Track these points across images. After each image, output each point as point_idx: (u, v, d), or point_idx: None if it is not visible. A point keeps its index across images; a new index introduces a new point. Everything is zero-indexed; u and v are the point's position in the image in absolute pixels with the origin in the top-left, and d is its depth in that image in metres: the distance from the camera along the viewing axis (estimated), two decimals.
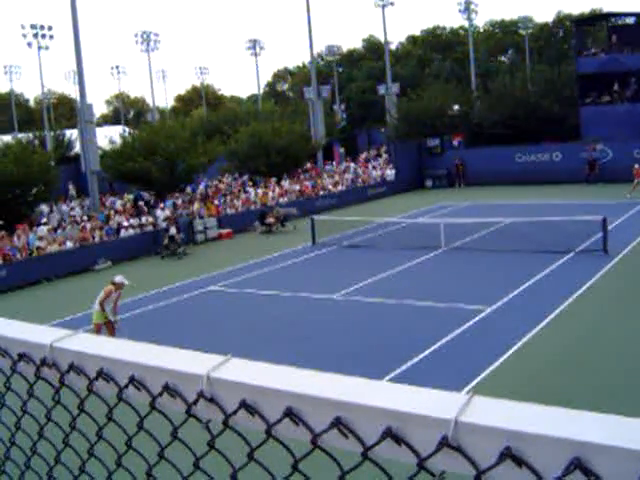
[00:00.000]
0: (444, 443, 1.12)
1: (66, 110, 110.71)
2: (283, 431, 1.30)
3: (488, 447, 1.10)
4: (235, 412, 1.35)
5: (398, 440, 1.17)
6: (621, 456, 1.00)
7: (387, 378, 13.48)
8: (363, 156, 64.74)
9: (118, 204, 40.95)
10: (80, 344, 1.70)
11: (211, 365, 1.41)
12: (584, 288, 19.77)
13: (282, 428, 1.30)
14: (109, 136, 44.13)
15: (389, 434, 1.17)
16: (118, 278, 17.32)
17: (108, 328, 16.91)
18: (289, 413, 1.27)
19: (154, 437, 1.67)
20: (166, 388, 1.46)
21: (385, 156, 59.58)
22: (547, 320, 17.00)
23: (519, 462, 1.07)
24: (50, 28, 78.34)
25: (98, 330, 16.74)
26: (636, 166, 39.79)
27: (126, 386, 1.56)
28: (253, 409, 1.33)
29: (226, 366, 1.41)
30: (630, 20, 58.01)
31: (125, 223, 33.30)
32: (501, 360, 14.49)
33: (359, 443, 1.21)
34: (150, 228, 33.42)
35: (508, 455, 1.07)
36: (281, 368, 1.37)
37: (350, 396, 1.22)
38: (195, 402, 1.42)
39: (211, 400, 1.39)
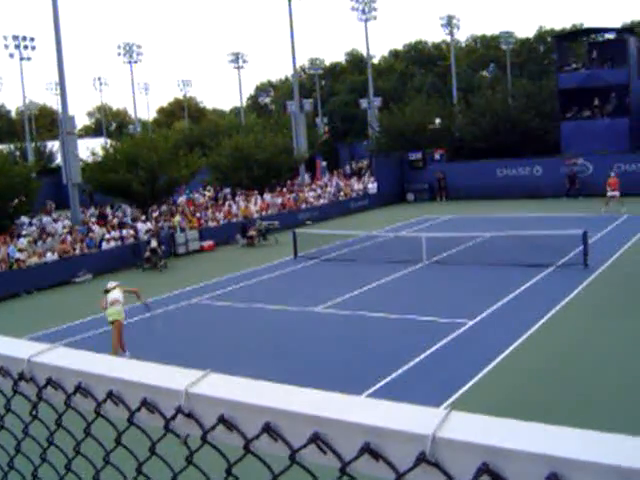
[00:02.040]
0: (422, 459, 1.12)
1: (48, 121, 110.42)
2: (261, 446, 1.30)
3: (466, 463, 1.10)
4: (213, 427, 1.35)
5: (376, 456, 1.16)
6: (598, 471, 1.01)
7: (369, 392, 13.47)
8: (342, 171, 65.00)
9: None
10: (58, 358, 1.69)
11: (190, 380, 1.40)
12: (565, 302, 19.86)
13: (260, 443, 1.30)
14: (91, 148, 43.95)
15: (367, 450, 1.17)
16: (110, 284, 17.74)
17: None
18: (267, 428, 1.27)
19: (132, 453, 1.66)
20: (144, 403, 1.46)
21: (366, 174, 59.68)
22: (528, 334, 17.05)
23: (496, 478, 1.07)
24: (32, 39, 78.27)
25: (120, 328, 16.93)
26: (612, 174, 39.96)
27: (104, 401, 1.55)
28: (231, 424, 1.32)
29: (205, 381, 1.40)
30: (610, 36, 58.71)
31: (107, 235, 33.16)
32: (482, 373, 14.52)
33: (337, 459, 1.21)
34: (131, 240, 33.30)
35: (485, 471, 1.07)
36: (260, 383, 1.37)
37: (328, 412, 1.22)
38: (173, 417, 1.41)
39: (189, 415, 1.38)
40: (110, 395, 1.53)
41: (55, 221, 40.53)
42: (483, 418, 1.16)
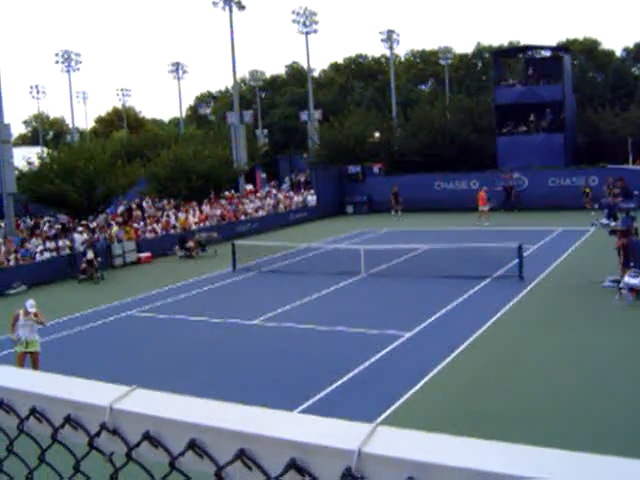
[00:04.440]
0: (348, 474, 1.11)
1: None
2: (187, 463, 1.28)
3: (391, 478, 1.09)
4: (138, 444, 1.33)
5: (302, 471, 1.16)
6: None
7: (305, 405, 13.43)
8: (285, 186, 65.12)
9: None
10: None
11: (115, 396, 1.38)
12: (500, 314, 20.14)
13: (186, 460, 1.28)
14: (27, 157, 43.19)
15: (293, 466, 1.16)
16: (27, 303, 16.75)
17: (32, 359, 16.30)
18: (193, 445, 1.25)
19: (56, 470, 1.63)
20: (68, 420, 1.42)
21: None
22: (464, 345, 17.23)
23: None
24: None
25: (20, 360, 16.23)
26: (479, 189, 42.12)
27: (27, 418, 1.51)
28: (157, 441, 1.30)
29: (130, 397, 1.38)
30: (546, 53, 60.14)
31: (41, 247, 32.54)
32: (419, 385, 14.60)
33: (263, 475, 1.19)
34: (67, 252, 32.72)
35: None
36: (186, 399, 1.35)
37: (254, 427, 1.20)
38: (98, 434, 1.38)
39: (114, 432, 1.36)
40: (33, 412, 1.49)
41: None
42: (410, 433, 1.16)
